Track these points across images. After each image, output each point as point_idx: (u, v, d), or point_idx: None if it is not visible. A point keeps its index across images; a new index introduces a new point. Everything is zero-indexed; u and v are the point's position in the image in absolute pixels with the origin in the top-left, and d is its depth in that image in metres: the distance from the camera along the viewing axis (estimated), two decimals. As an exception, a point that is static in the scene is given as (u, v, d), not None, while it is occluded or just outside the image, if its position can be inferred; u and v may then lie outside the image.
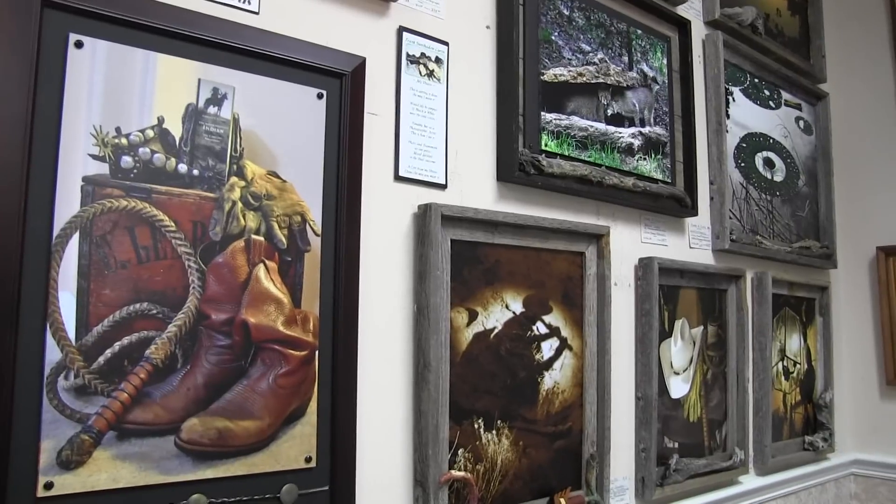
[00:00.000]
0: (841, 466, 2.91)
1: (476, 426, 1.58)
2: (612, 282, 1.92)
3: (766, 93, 2.73)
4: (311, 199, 1.35)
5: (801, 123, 2.92)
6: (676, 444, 2.12)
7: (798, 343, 2.77)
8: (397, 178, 1.50)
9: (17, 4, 1.07)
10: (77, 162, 1.11)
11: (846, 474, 2.95)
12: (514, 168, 1.65)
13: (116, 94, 1.15)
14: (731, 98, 2.51)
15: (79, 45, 1.13)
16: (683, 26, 2.26)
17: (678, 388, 2.17)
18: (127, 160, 1.15)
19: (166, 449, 1.17)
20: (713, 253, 2.39)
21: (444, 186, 1.58)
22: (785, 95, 2.84)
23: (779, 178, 2.72)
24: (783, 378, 2.65)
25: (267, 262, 1.29)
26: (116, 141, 1.14)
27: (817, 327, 2.90)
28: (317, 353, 1.35)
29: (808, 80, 2.97)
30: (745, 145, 2.56)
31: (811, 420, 2.82)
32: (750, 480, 2.41)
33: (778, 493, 2.51)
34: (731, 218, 2.41)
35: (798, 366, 2.76)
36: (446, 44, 1.61)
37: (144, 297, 1.16)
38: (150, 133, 1.18)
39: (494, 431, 1.62)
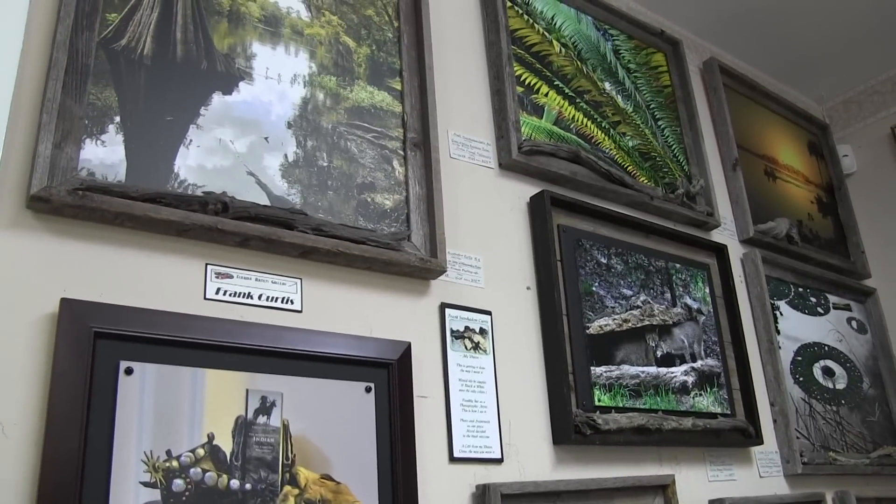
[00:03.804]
0: None
1: None
2: (685, 531, 1.81)
3: (813, 300, 2.69)
4: (366, 497, 1.30)
5: (854, 324, 2.86)
6: None
7: (896, 564, 2.54)
8: (452, 459, 1.46)
9: (70, 338, 1.10)
10: (129, 492, 1.09)
11: None
12: (569, 431, 1.61)
13: (166, 415, 1.16)
14: (778, 313, 2.48)
15: (129, 371, 1.15)
16: (721, 251, 2.28)
17: None
18: (179, 483, 1.14)
19: None
20: (786, 478, 2.25)
21: (500, 461, 1.53)
22: (832, 299, 2.80)
23: (841, 385, 2.62)
24: None
25: (323, 571, 1.23)
26: (167, 465, 1.13)
27: (915, 543, 2.67)
28: None
29: (852, 278, 2.94)
30: (800, 358, 2.49)
31: None
32: None
33: None
34: (798, 438, 2.29)
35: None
36: (489, 313, 1.63)
37: None
38: (201, 451, 1.17)
39: None
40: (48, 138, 1.16)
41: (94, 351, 1.12)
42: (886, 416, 2.78)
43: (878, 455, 2.58)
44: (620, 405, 1.75)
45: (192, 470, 1.16)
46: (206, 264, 1.29)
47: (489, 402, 1.55)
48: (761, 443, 2.12)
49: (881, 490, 2.55)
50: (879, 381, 2.84)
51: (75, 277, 1.16)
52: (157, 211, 1.22)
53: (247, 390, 1.24)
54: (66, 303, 1.11)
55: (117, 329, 1.15)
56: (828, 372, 2.60)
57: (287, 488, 1.23)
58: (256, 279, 1.33)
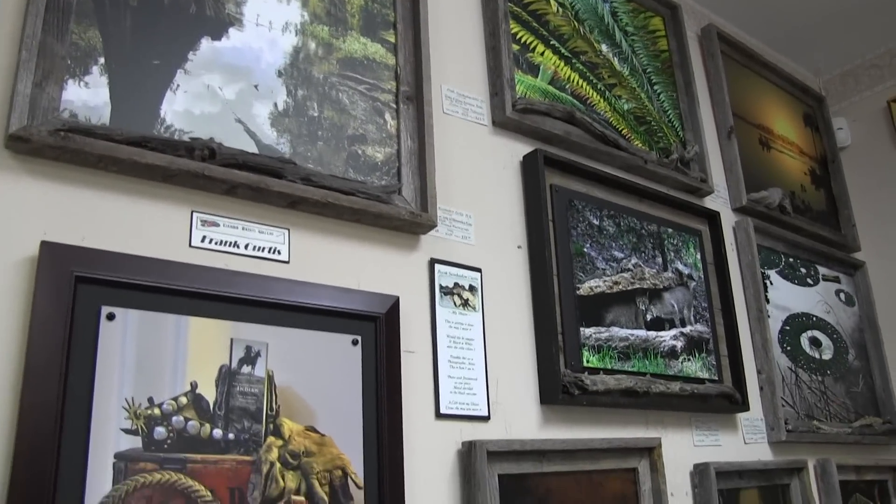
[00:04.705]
0: None
1: None
2: (669, 493, 1.80)
3: (803, 271, 2.69)
4: (351, 450, 1.29)
5: (842, 296, 2.86)
6: None
7: (876, 532, 2.57)
8: (438, 415, 1.45)
9: (50, 282, 1.07)
10: (109, 438, 1.07)
11: None
12: (557, 391, 1.60)
13: (148, 362, 1.14)
14: (768, 282, 2.48)
15: (110, 317, 1.12)
16: (713, 218, 2.27)
17: None
18: (160, 431, 1.12)
19: None
20: (770, 445, 2.26)
21: (487, 418, 1.52)
22: (822, 270, 2.80)
23: (827, 356, 2.63)
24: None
25: (307, 523, 1.22)
26: (149, 412, 1.12)
27: (894, 511, 2.71)
28: None
29: (842, 251, 2.94)
30: (788, 328, 2.49)
31: None
32: None
33: None
34: (783, 406, 2.30)
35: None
36: (479, 270, 1.61)
37: (178, 582, 1.09)
38: (184, 400, 1.15)
39: None
40: (27, 76, 1.12)
41: (74, 295, 1.09)
42: (870, 387, 2.79)
43: (859, 425, 2.60)
44: (609, 367, 1.74)
45: (174, 418, 1.14)
46: (192, 212, 1.26)
47: (477, 359, 1.53)
48: (747, 409, 2.12)
49: (861, 458, 2.57)
50: (864, 353, 2.85)
51: (56, 220, 1.13)
52: (142, 155, 1.19)
53: (231, 339, 1.22)
54: (46, 246, 1.09)
55: (99, 274, 1.12)
56: (815, 342, 2.60)
57: (271, 439, 1.21)
58: (243, 228, 1.31)
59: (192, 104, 1.32)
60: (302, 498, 1.22)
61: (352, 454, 1.29)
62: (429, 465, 1.41)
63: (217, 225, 1.28)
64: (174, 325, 1.18)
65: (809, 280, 2.71)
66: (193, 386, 1.17)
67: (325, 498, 1.24)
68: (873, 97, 3.27)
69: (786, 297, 2.54)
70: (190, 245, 1.25)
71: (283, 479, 1.21)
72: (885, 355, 2.88)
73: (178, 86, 1.31)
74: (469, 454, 1.43)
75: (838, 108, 3.36)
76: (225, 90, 1.37)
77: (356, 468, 1.29)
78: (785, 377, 2.39)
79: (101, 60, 1.24)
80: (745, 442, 2.17)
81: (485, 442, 1.44)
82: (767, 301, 2.43)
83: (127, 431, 1.09)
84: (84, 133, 1.15)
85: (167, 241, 1.22)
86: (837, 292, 2.85)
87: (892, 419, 2.77)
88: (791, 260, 2.65)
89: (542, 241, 1.71)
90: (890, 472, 2.72)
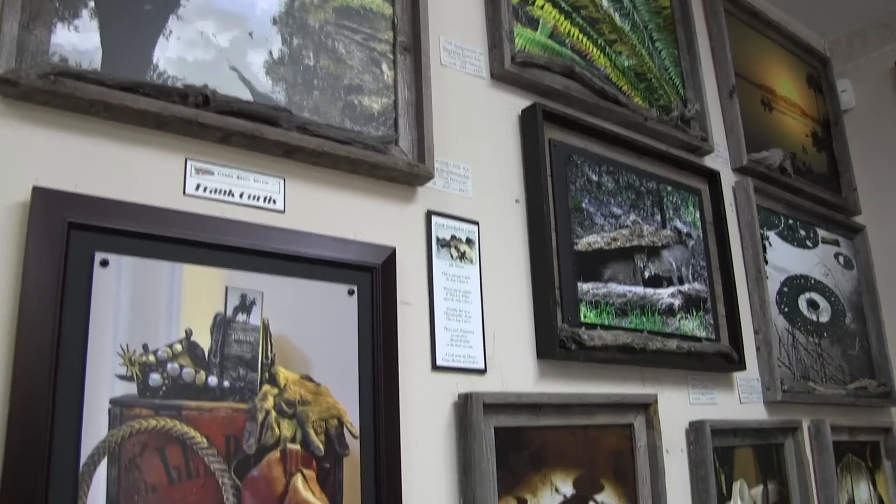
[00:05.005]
0: None
1: None
2: (664, 449, 1.81)
3: (802, 233, 2.68)
4: (347, 400, 1.29)
5: (841, 259, 2.86)
6: None
7: (867, 492, 2.59)
8: (435, 367, 1.45)
9: (43, 228, 1.06)
10: (104, 384, 1.07)
11: None
12: (554, 345, 1.60)
13: (143, 309, 1.13)
14: (767, 243, 2.47)
15: (104, 263, 1.11)
16: (713, 177, 2.25)
17: (743, 557, 2.01)
18: (155, 378, 1.11)
19: None
20: (765, 405, 2.27)
21: (483, 371, 1.52)
22: (821, 233, 2.79)
23: (824, 318, 2.63)
24: (855, 531, 2.47)
25: (304, 471, 1.22)
26: (144, 359, 1.11)
27: (886, 472, 2.72)
28: (358, 563, 1.26)
29: (842, 214, 2.93)
30: (786, 289, 2.49)
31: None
32: None
33: None
34: (780, 367, 2.30)
35: (871, 516, 2.58)
36: (476, 223, 1.60)
37: (175, 525, 1.09)
38: (179, 347, 1.15)
39: None
40: (14, 17, 1.10)
41: (68, 241, 1.08)
42: (866, 350, 2.80)
43: (854, 387, 2.61)
44: (606, 323, 1.74)
45: (169, 365, 1.13)
46: (186, 159, 1.25)
47: (474, 312, 1.53)
48: (744, 369, 2.12)
49: (855, 420, 2.59)
50: (861, 316, 2.85)
51: (48, 166, 1.11)
52: (134, 101, 1.17)
53: (226, 287, 1.21)
54: (38, 192, 1.07)
55: (92, 220, 1.11)
56: (812, 304, 2.60)
57: (266, 387, 1.21)
58: (238, 177, 1.29)
59: (185, 51, 1.29)
60: (297, 446, 1.22)
61: (347, 404, 1.29)
62: (425, 416, 1.41)
63: (211, 173, 1.27)
64: (168, 273, 1.17)
65: (808, 242, 2.70)
66: (188, 333, 1.16)
67: (321, 446, 1.25)
68: (880, 58, 3.22)
69: (784, 258, 2.54)
70: (184, 193, 1.23)
71: (279, 428, 1.21)
72: (882, 319, 2.88)
73: (170, 32, 1.29)
74: (465, 406, 1.43)
75: (842, 69, 3.32)
76: (219, 37, 1.35)
77: (352, 418, 1.29)
78: (782, 338, 2.39)
79: (91, 4, 1.21)
80: (740, 401, 2.18)
81: (481, 394, 1.44)
82: (766, 262, 2.42)
83: (122, 377, 1.09)
84: (75, 77, 1.13)
85: (161, 189, 1.21)
86: (836, 255, 2.84)
87: (887, 382, 2.78)
88: (790, 222, 2.64)
89: (540, 195, 1.70)
90: (882, 433, 2.74)
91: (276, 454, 1.20)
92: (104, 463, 1.05)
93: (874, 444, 2.70)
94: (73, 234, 1.09)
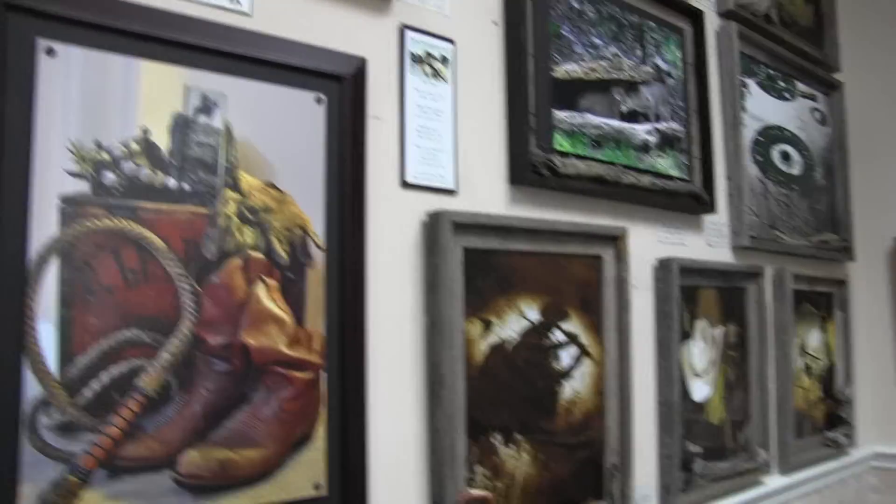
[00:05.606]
0: (861, 461, 2.85)
1: (494, 441, 1.50)
2: (632, 284, 1.83)
3: (782, 84, 2.63)
4: (312, 210, 1.25)
5: (817, 115, 2.83)
6: (699, 448, 2.02)
7: (818, 339, 2.68)
8: (404, 184, 1.41)
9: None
10: (53, 180, 1.01)
11: (866, 468, 2.89)
12: (526, 170, 1.56)
13: (96, 104, 1.06)
14: (746, 90, 2.42)
15: (50, 52, 1.03)
16: (697, 17, 2.17)
17: (700, 390, 2.08)
18: (110, 176, 1.06)
19: (163, 485, 1.08)
20: (732, 250, 2.30)
21: (453, 192, 1.48)
22: (800, 86, 2.74)
23: (796, 171, 2.62)
24: (804, 374, 2.57)
25: (267, 279, 1.20)
26: (97, 156, 1.05)
27: (837, 322, 2.82)
28: (323, 373, 1.26)
29: (822, 69, 2.87)
30: (761, 139, 2.46)
31: (831, 415, 2.73)
32: (773, 480, 2.33)
33: (801, 492, 2.44)
34: (749, 214, 2.31)
35: (818, 361, 2.67)
36: (452, 42, 1.52)
37: (133, 324, 1.06)
38: (135, 146, 1.09)
39: (513, 446, 1.53)
40: None
41: (5, 25, 0.99)
42: (830, 206, 2.82)
43: (817, 240, 2.65)
44: (580, 153, 1.70)
45: (125, 164, 1.08)
46: (141, -54, 1.14)
47: (446, 131, 1.48)
48: (714, 212, 2.12)
49: (815, 271, 2.65)
50: (831, 173, 2.86)
51: (-18, -61, 1.01)
52: None
53: (186, 86, 1.14)
54: (-31, -34, 0.98)
55: (32, 3, 1.01)
56: (785, 156, 2.58)
57: (228, 192, 1.17)
58: (198, -28, 1.19)
59: None
60: (260, 254, 1.19)
61: (313, 214, 1.25)
62: (393, 233, 1.39)
63: (170, -35, 1.17)
64: (123, 67, 1.09)
65: (787, 94, 2.66)
66: (145, 132, 1.10)
67: (284, 255, 1.22)
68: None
69: (762, 107, 2.49)
70: (139, -16, 1.13)
71: (241, 234, 1.18)
72: (849, 177, 2.90)
73: None
74: (434, 225, 1.41)
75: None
76: None
77: (317, 228, 1.26)
78: (753, 187, 2.38)
79: None
80: (708, 244, 2.19)
81: (450, 213, 1.41)
82: (744, 109, 2.38)
83: (73, 174, 1.03)
84: None
85: (112, -24, 1.11)
86: (812, 110, 2.81)
87: (847, 238, 2.83)
88: (771, 72, 2.58)
89: (518, 17, 1.61)
90: (837, 285, 2.82)
91: (237, 261, 1.17)
92: (55, 263, 1.00)
93: (829, 295, 2.78)
94: (11, 16, 0.99)
